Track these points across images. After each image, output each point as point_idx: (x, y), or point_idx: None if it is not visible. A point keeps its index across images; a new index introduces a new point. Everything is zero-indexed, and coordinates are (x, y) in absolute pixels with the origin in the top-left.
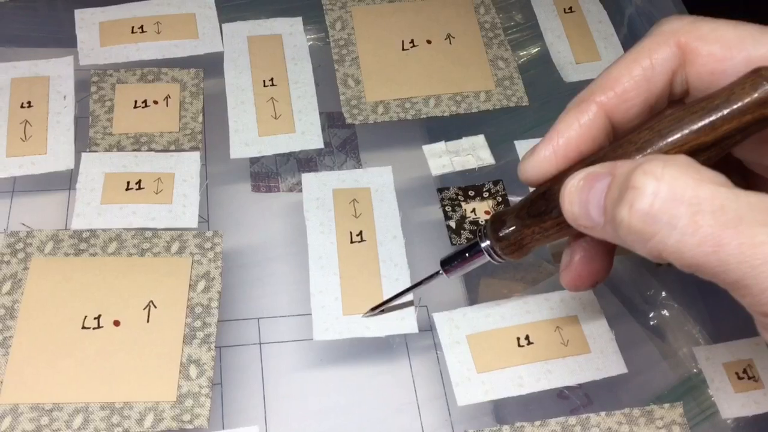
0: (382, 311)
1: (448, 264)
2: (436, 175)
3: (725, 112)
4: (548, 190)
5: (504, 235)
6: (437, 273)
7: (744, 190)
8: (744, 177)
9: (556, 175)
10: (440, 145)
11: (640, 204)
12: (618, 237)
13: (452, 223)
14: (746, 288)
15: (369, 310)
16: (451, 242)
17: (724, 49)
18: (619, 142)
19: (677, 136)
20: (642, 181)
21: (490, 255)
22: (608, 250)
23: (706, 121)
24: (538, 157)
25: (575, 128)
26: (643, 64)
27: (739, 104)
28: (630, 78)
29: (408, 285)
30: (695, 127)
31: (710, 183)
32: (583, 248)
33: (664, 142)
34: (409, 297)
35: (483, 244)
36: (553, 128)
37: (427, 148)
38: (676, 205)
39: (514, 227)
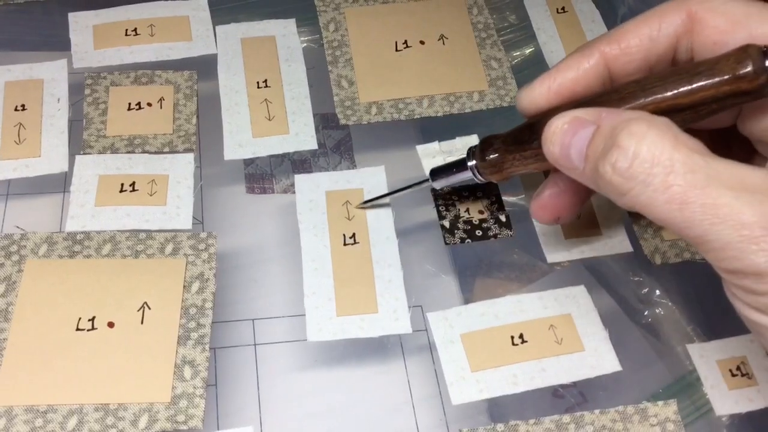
0: (373, 205)
1: (436, 174)
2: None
3: (705, 80)
4: (536, 123)
5: (488, 157)
6: (426, 180)
7: (717, 158)
8: (749, 154)
9: (546, 110)
10: (434, 146)
11: (622, 163)
12: (595, 184)
13: (446, 223)
14: (708, 243)
15: (362, 203)
16: (445, 242)
17: (729, 23)
18: (606, 89)
19: (658, 94)
20: (627, 141)
21: (473, 173)
22: (577, 192)
23: (687, 85)
24: (533, 91)
25: (574, 71)
26: (651, 24)
27: (720, 76)
28: (636, 35)
29: (401, 286)
30: (675, 88)
31: (685, 147)
32: (555, 183)
33: (645, 99)
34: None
35: (469, 163)
36: (554, 67)
37: (421, 149)
38: (652, 166)
39: (498, 152)
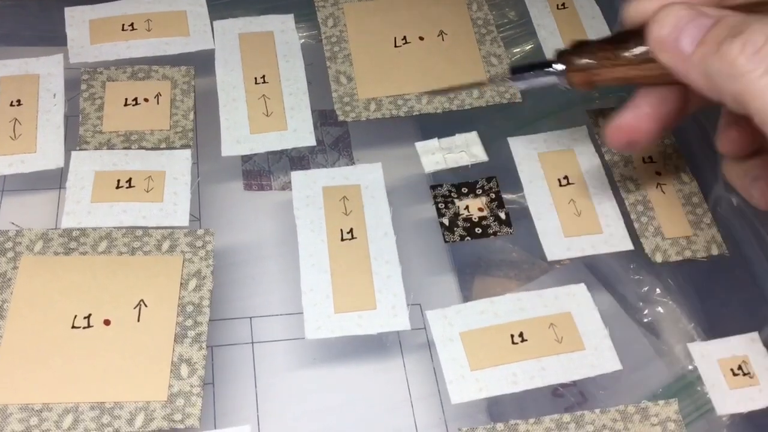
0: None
1: (518, 72)
2: (429, 172)
3: None
4: (638, 30)
5: (581, 61)
6: (506, 76)
7: None
8: None
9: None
10: (433, 142)
11: (751, 45)
12: (699, 70)
13: (445, 221)
14: None
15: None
16: (445, 240)
17: None
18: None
19: None
20: (759, 27)
21: (559, 78)
22: (660, 118)
23: None
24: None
25: None
26: None
27: None
28: None
29: (400, 282)
30: None
31: None
32: (638, 105)
33: None
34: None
35: (558, 66)
36: None
37: (420, 145)
38: None
39: (592, 56)
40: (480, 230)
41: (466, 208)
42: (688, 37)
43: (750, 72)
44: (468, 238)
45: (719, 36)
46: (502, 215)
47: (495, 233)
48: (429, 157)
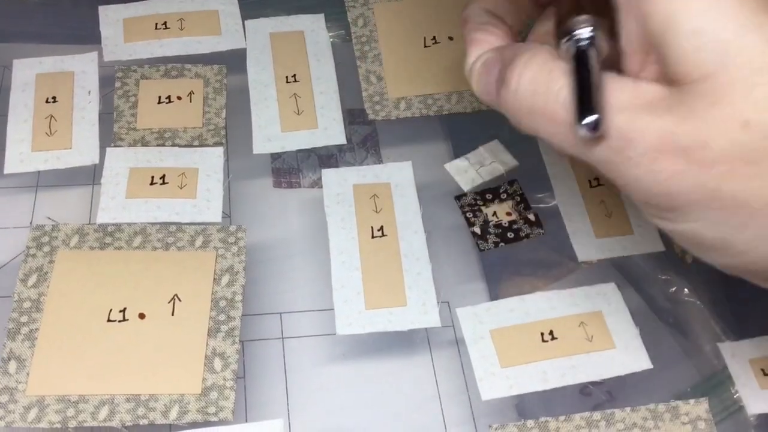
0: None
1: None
2: (469, 190)
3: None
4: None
5: None
6: None
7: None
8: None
9: None
10: (461, 162)
11: (505, 93)
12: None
13: (477, 229)
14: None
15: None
16: (479, 248)
17: None
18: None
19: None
20: (509, 75)
21: None
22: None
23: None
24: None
25: None
26: None
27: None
28: None
29: (430, 280)
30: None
31: (560, 73)
32: None
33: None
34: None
35: None
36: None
37: (450, 167)
38: (533, 95)
39: None
40: (512, 235)
41: (494, 214)
42: (492, 88)
43: (520, 118)
44: (502, 244)
45: (497, 87)
46: (531, 217)
47: (527, 236)
48: (463, 176)
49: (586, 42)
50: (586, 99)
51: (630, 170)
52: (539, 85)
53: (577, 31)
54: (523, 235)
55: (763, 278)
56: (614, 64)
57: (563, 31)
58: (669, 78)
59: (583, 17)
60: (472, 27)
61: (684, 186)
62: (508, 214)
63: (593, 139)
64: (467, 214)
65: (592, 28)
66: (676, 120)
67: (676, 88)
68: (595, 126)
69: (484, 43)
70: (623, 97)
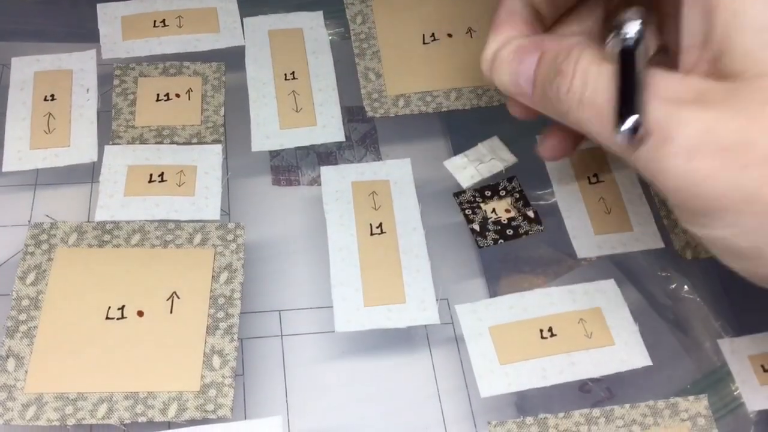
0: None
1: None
2: (469, 187)
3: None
4: None
5: None
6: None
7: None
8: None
9: None
10: (460, 159)
11: (563, 86)
12: (543, 107)
13: (476, 226)
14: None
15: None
16: (478, 245)
17: None
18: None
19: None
20: (566, 67)
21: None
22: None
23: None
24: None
25: None
26: None
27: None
28: None
29: (429, 277)
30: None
31: (607, 66)
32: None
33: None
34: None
35: None
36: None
37: (449, 164)
38: (584, 88)
39: None
40: (512, 231)
41: (493, 211)
42: (524, 78)
43: (569, 111)
44: (501, 241)
45: (543, 77)
46: (531, 213)
47: (527, 233)
48: (462, 173)
49: (633, 39)
50: (627, 102)
51: (668, 169)
52: (591, 78)
53: (624, 28)
54: (522, 231)
55: None
56: (662, 59)
57: (611, 26)
58: (725, 74)
59: (632, 11)
60: (504, 10)
61: (720, 188)
62: (507, 210)
63: (632, 144)
64: (466, 211)
65: (640, 24)
66: (723, 116)
67: (730, 84)
68: (634, 130)
69: (513, 31)
70: (669, 91)
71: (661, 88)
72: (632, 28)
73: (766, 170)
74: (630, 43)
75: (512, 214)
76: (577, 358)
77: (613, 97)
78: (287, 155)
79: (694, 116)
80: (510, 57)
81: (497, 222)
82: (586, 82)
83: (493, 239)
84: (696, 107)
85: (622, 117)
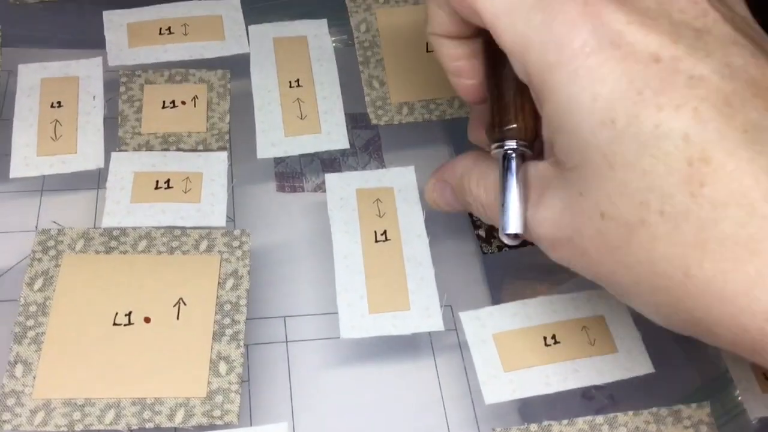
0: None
1: None
2: None
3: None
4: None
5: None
6: None
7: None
8: None
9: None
10: None
11: (470, 200)
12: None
13: (482, 232)
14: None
15: None
16: (483, 251)
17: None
18: None
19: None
20: (467, 187)
21: None
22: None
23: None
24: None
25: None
26: None
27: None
28: None
29: (433, 284)
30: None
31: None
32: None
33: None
34: None
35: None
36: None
37: None
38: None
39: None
40: None
41: None
42: (449, 202)
43: (481, 214)
44: (506, 249)
45: (459, 197)
46: None
47: (532, 242)
48: None
49: (512, 152)
50: (509, 211)
51: (551, 256)
52: (482, 192)
53: (506, 142)
54: (529, 242)
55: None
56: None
57: (494, 137)
58: (557, 163)
59: (513, 129)
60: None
61: (578, 269)
62: None
63: (513, 242)
64: (473, 217)
65: (518, 141)
66: (561, 209)
67: (562, 174)
68: (516, 236)
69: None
70: (532, 193)
71: (531, 188)
72: (511, 144)
73: (594, 255)
74: (509, 154)
75: None
76: (580, 365)
77: (497, 202)
78: (291, 162)
79: (545, 217)
80: (434, 194)
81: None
82: (479, 195)
83: (498, 246)
84: (545, 207)
85: (504, 225)
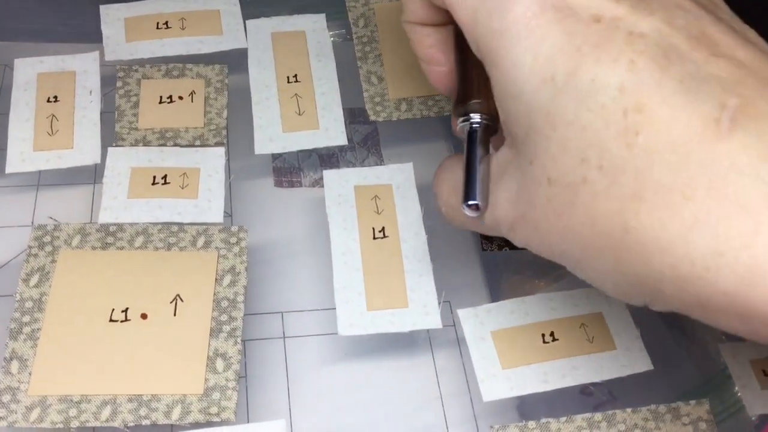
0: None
1: None
2: None
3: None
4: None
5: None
6: None
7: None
8: None
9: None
10: None
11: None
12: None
13: None
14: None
15: None
16: (483, 248)
17: None
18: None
19: None
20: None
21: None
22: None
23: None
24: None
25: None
26: None
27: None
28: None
29: (431, 281)
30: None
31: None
32: None
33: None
34: None
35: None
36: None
37: None
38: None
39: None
40: None
41: None
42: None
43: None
44: (506, 248)
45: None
46: None
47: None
48: None
49: (477, 125)
50: (471, 182)
51: (512, 239)
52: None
53: (471, 115)
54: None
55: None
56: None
57: (459, 111)
58: (514, 143)
59: (477, 102)
60: None
61: (536, 247)
62: None
63: (476, 215)
64: None
65: (481, 114)
66: (515, 186)
67: (517, 151)
68: (476, 207)
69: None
70: (493, 179)
71: (492, 176)
72: (476, 117)
73: (544, 225)
74: (474, 128)
75: None
76: (578, 362)
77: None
78: (289, 157)
79: (501, 197)
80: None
81: None
82: (450, 199)
83: (498, 245)
84: (502, 187)
85: (465, 197)
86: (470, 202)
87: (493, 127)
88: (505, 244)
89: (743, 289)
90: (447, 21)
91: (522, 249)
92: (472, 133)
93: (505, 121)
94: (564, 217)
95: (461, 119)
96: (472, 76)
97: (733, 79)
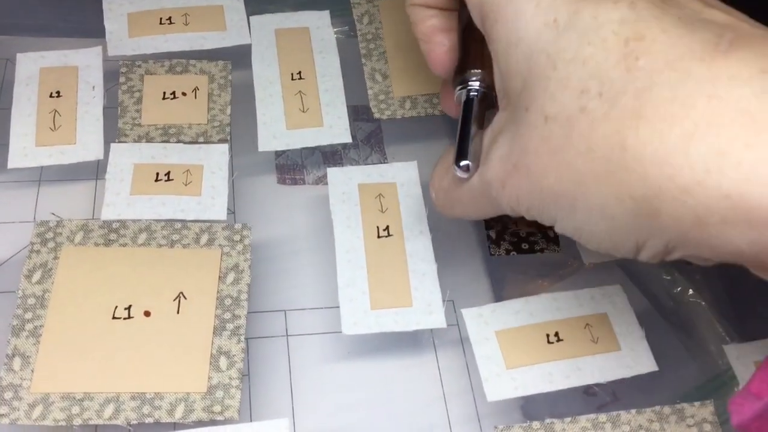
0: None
1: None
2: None
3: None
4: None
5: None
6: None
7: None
8: None
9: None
10: None
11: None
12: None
13: (492, 233)
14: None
15: None
16: (490, 252)
17: None
18: None
19: None
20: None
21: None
22: None
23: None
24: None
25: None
26: None
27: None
28: None
29: (435, 280)
30: None
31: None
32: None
33: None
34: None
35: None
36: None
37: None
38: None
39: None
40: (527, 246)
41: (515, 223)
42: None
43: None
44: (514, 252)
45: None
46: (551, 233)
47: (542, 250)
48: None
49: (474, 93)
50: (463, 143)
51: (501, 206)
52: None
53: (469, 83)
54: (538, 249)
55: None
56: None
57: (458, 81)
58: (510, 102)
59: (476, 72)
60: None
61: (527, 199)
62: (529, 225)
63: (465, 174)
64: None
65: (479, 84)
66: (509, 141)
67: (512, 108)
68: (467, 168)
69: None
70: (486, 143)
71: (486, 140)
72: (474, 84)
73: (538, 168)
74: (472, 96)
75: (533, 229)
76: (583, 363)
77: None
78: (292, 154)
79: (494, 155)
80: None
81: (515, 234)
82: (442, 184)
83: (506, 249)
84: (494, 147)
85: (457, 159)
86: (462, 163)
87: (489, 100)
88: (512, 248)
89: (748, 189)
90: (449, 6)
91: (527, 251)
92: (468, 101)
93: (504, 75)
94: (560, 154)
95: (459, 87)
96: (471, 50)
97: (728, 23)
